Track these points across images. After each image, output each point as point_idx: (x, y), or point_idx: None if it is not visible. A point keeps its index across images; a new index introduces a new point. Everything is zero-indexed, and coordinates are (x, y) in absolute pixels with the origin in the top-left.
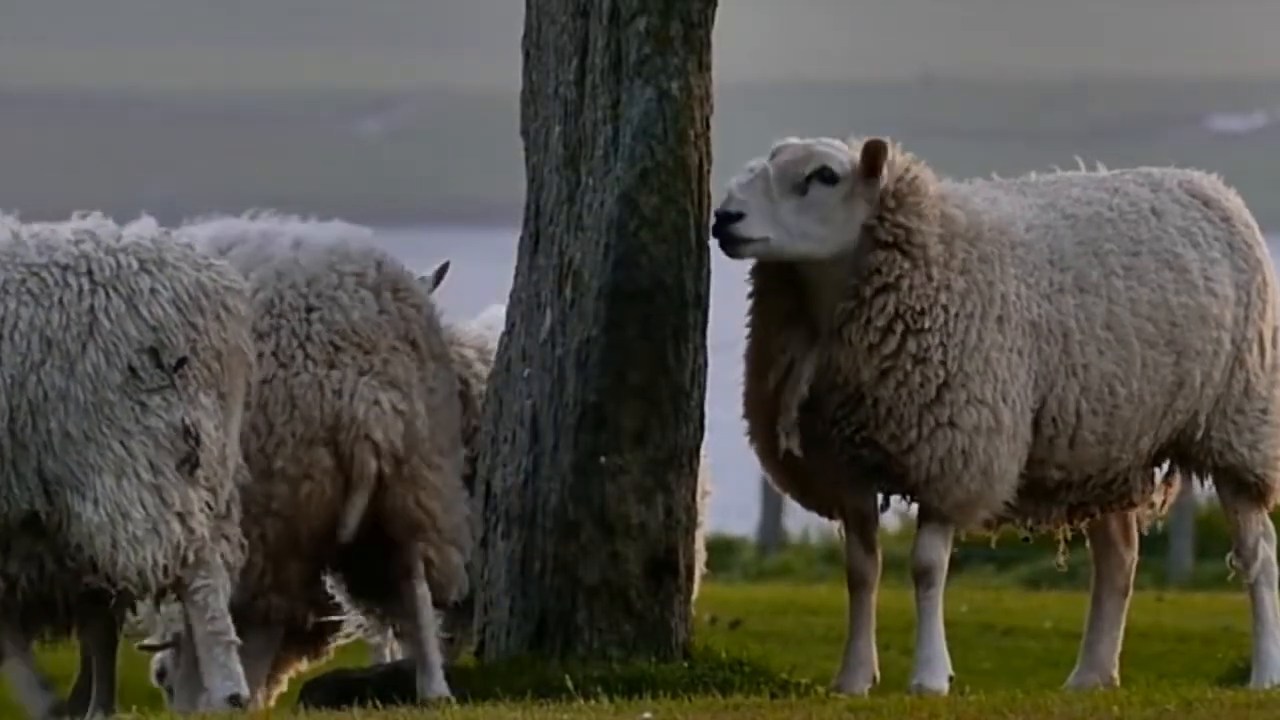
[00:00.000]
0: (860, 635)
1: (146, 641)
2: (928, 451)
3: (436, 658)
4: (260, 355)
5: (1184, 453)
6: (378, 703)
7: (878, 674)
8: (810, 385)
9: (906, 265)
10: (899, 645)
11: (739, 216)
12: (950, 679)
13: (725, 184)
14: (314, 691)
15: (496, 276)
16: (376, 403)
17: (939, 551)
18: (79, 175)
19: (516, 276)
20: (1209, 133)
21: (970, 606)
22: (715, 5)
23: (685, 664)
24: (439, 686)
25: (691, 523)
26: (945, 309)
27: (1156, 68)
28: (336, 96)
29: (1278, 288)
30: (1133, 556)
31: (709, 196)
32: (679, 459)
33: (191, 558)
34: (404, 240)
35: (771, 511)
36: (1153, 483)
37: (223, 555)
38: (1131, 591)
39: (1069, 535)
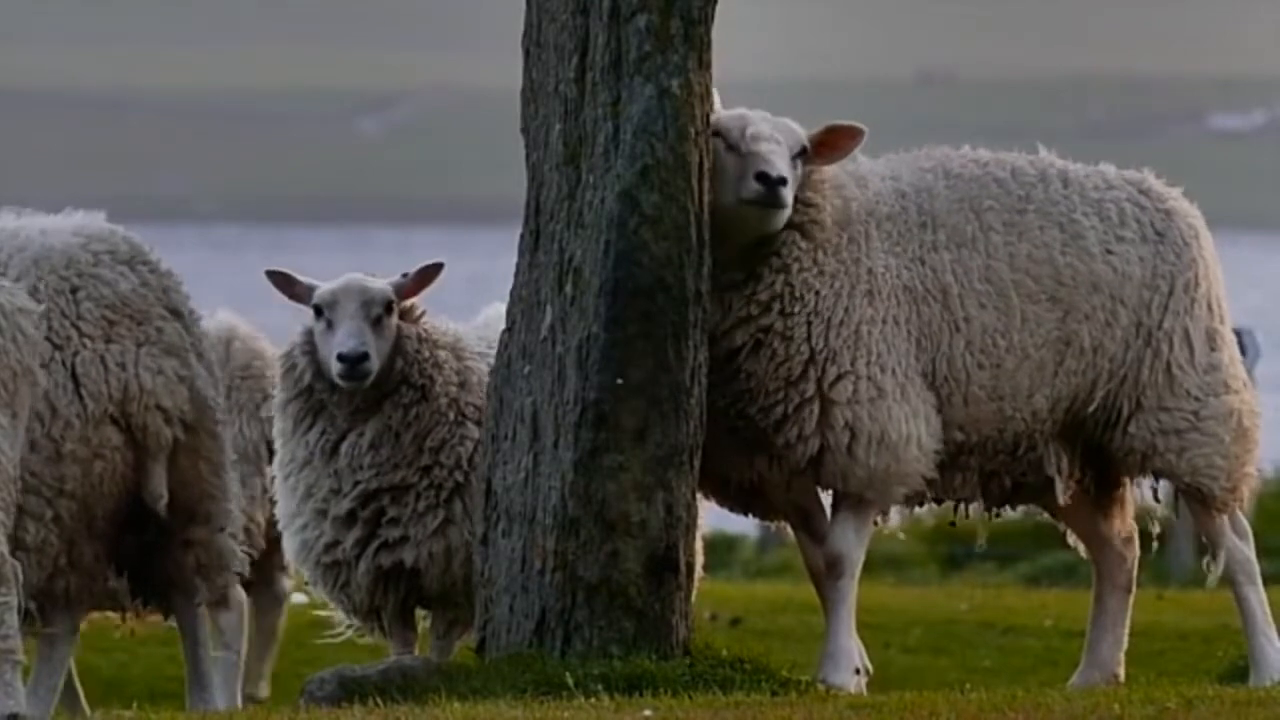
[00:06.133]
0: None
1: None
2: (795, 431)
3: (211, 676)
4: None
5: (1104, 447)
6: (379, 700)
7: (869, 666)
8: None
9: (805, 245)
10: (898, 644)
11: (784, 182)
12: (858, 672)
13: (753, 134)
14: (315, 689)
15: (497, 274)
16: (160, 371)
17: (848, 542)
18: (79, 175)
19: (517, 274)
20: (1209, 132)
21: (970, 604)
22: (715, 2)
23: (685, 661)
24: (214, 700)
25: (692, 520)
26: (817, 293)
27: (1156, 68)
28: (336, 96)
29: (1222, 294)
30: (1134, 554)
31: (709, 193)
32: (679, 457)
33: None
34: (404, 239)
35: None
36: (1071, 458)
37: None
38: (1135, 589)
39: (989, 519)
